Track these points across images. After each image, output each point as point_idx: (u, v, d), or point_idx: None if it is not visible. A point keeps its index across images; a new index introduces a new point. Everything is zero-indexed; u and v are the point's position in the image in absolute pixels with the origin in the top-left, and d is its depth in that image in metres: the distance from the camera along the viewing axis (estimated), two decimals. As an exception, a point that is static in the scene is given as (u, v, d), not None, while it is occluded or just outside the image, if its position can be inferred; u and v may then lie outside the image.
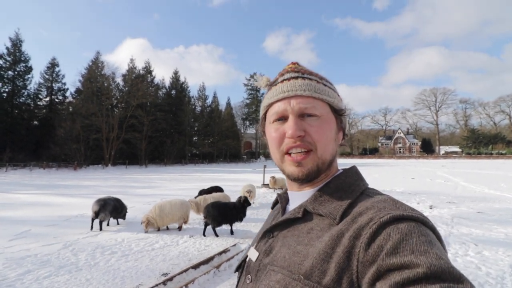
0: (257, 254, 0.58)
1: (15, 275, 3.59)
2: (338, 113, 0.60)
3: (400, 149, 78.49)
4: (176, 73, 46.86)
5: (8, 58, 30.41)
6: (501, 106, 70.91)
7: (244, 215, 5.83)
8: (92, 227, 5.80)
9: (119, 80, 37.13)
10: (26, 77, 31.85)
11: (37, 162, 26.70)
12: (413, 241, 0.40)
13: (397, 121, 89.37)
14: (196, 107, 50.36)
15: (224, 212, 5.51)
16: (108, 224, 6.17)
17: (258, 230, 5.77)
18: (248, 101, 64.08)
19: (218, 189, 8.81)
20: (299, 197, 0.61)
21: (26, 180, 16.93)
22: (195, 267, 3.72)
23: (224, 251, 4.38)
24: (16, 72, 30.94)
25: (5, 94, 29.80)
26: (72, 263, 4.02)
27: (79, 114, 30.41)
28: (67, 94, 36.10)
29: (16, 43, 31.26)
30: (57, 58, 38.01)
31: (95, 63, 35.88)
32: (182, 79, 47.45)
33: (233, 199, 6.62)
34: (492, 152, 59.95)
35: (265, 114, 0.63)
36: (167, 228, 5.99)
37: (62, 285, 3.38)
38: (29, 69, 32.08)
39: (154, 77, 42.22)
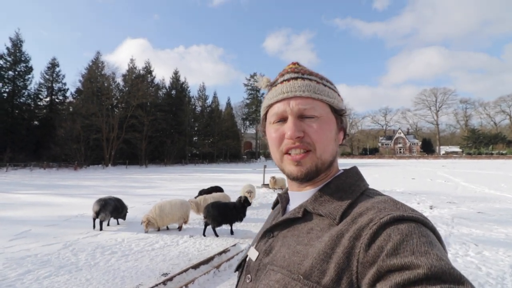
0: (257, 253, 0.58)
1: (15, 275, 3.59)
2: (339, 113, 0.60)
3: (400, 149, 78.46)
4: (176, 73, 46.90)
5: (9, 58, 30.44)
6: (502, 106, 70.94)
7: (244, 215, 5.83)
8: (94, 226, 5.82)
9: (119, 80, 37.23)
10: (26, 77, 31.89)
11: (38, 162, 26.73)
12: (413, 242, 0.40)
13: (397, 121, 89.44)
14: (196, 107, 50.38)
15: (224, 212, 5.51)
16: (108, 224, 6.17)
17: (258, 230, 5.76)
18: (248, 101, 64.08)
19: (218, 189, 8.81)
20: (299, 197, 0.61)
21: (27, 180, 16.94)
22: (195, 267, 3.72)
23: (224, 251, 4.38)
24: (16, 72, 30.97)
25: (5, 94, 29.82)
26: (72, 263, 4.02)
27: (79, 114, 30.43)
28: (68, 94, 36.21)
29: (17, 43, 31.30)
30: (58, 58, 38.18)
31: (95, 63, 35.91)
32: (182, 79, 47.54)
33: (233, 199, 6.62)
34: (493, 152, 59.91)
35: (265, 115, 0.64)
36: (167, 228, 5.99)
37: (62, 285, 3.38)
38: (29, 69, 32.12)
39: (154, 77, 42.28)
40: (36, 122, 33.43)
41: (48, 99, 34.79)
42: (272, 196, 10.55)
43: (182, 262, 4.13)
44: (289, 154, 0.56)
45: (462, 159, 57.28)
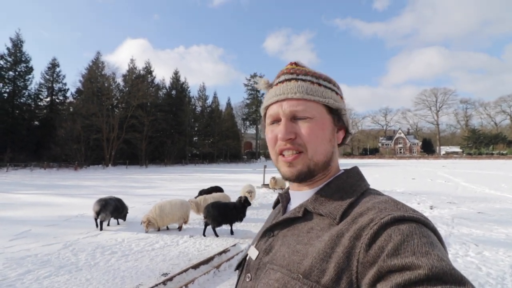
0: (257, 252, 0.59)
1: (15, 275, 3.59)
2: (336, 112, 0.59)
3: (400, 149, 78.43)
4: (176, 73, 46.92)
5: (9, 59, 30.47)
6: (502, 106, 70.94)
7: (244, 215, 5.83)
8: (97, 225, 5.83)
9: (119, 80, 37.23)
10: (26, 78, 31.91)
11: (38, 162, 26.75)
12: (414, 243, 0.40)
13: (397, 121, 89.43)
14: (196, 107, 50.39)
15: (224, 212, 5.51)
16: (108, 224, 6.17)
17: (258, 230, 5.77)
18: (248, 101, 64.14)
19: (218, 189, 8.81)
20: (300, 196, 0.61)
21: (27, 180, 16.95)
22: (195, 267, 3.72)
23: (224, 251, 4.38)
24: (17, 73, 30.99)
25: (6, 95, 29.84)
26: (72, 263, 4.02)
27: (79, 114, 30.45)
28: (68, 94, 36.22)
29: (17, 44, 31.32)
30: (58, 58, 38.25)
31: (96, 64, 35.93)
32: (182, 79, 47.55)
33: (233, 199, 6.62)
34: (493, 152, 59.89)
35: (265, 115, 0.65)
36: (167, 228, 5.99)
37: (62, 285, 3.38)
38: (29, 70, 32.13)
39: (155, 77, 42.30)
40: (36, 122, 33.45)
41: (48, 99, 34.82)
42: (272, 196, 10.55)
43: (182, 262, 4.13)
44: (283, 155, 0.57)
45: (463, 159, 57.25)
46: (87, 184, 14.67)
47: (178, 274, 3.45)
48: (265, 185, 12.66)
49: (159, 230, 5.83)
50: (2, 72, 29.64)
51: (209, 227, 5.54)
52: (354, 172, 0.60)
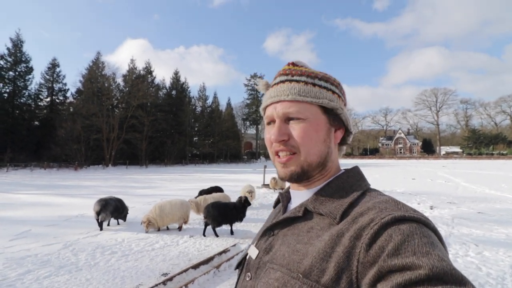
0: (257, 252, 0.59)
1: (15, 275, 3.60)
2: (331, 112, 0.58)
3: (400, 150, 78.43)
4: (176, 73, 46.92)
5: (9, 59, 30.46)
6: (502, 106, 70.95)
7: (244, 215, 5.83)
8: (99, 225, 5.82)
9: (119, 80, 37.22)
10: (27, 78, 31.89)
11: (38, 162, 26.75)
12: (415, 243, 0.40)
13: (397, 122, 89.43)
14: (197, 108, 50.38)
15: (224, 212, 5.51)
16: (108, 224, 6.17)
17: (258, 230, 5.77)
18: (248, 102, 64.14)
19: (218, 189, 8.81)
20: (300, 196, 0.61)
21: (27, 180, 16.95)
22: (195, 267, 3.72)
23: (224, 251, 4.38)
24: (17, 73, 30.98)
25: (6, 95, 29.82)
26: (72, 263, 4.02)
27: (79, 114, 30.44)
28: (68, 94, 36.17)
29: (17, 44, 31.31)
30: (58, 58, 38.20)
31: (96, 64, 35.94)
32: (182, 79, 47.53)
33: (233, 199, 6.62)
34: (493, 152, 59.89)
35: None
36: (167, 228, 5.99)
37: (62, 285, 3.38)
38: (30, 70, 32.12)
39: (155, 77, 42.29)
40: (36, 123, 33.44)
41: (48, 99, 34.80)
42: (272, 196, 10.55)
43: (182, 262, 4.13)
44: (279, 156, 0.58)
45: (463, 159, 57.25)
46: (87, 184, 14.67)
47: (178, 274, 3.45)
48: (265, 185, 12.66)
49: (159, 230, 5.83)
50: (2, 72, 29.64)
51: (209, 227, 5.54)
52: (355, 172, 0.60)
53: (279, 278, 0.49)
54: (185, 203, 6.09)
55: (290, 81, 0.59)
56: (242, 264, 0.64)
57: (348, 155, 76.40)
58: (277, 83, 0.60)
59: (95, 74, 34.66)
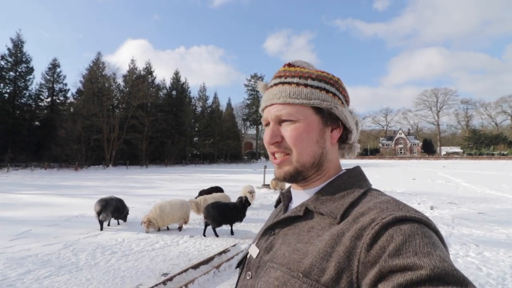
0: (257, 251, 0.59)
1: (15, 275, 3.60)
2: (325, 112, 0.58)
3: (401, 150, 78.40)
4: (176, 73, 46.95)
5: (10, 59, 30.49)
6: (503, 106, 70.92)
7: (244, 215, 5.83)
8: (100, 225, 5.83)
9: (120, 80, 37.24)
10: (27, 78, 31.93)
11: (39, 162, 26.78)
12: (416, 243, 0.40)
13: (398, 122, 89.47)
14: (197, 108, 50.40)
15: (224, 213, 5.51)
16: (109, 224, 6.17)
17: (258, 230, 5.75)
18: (248, 102, 64.16)
19: (218, 189, 8.81)
20: (301, 195, 0.61)
21: (27, 180, 16.96)
22: (195, 267, 3.72)
23: (224, 251, 4.38)
24: (17, 73, 31.01)
25: (6, 95, 29.84)
26: (73, 263, 4.02)
27: (80, 114, 30.46)
28: (68, 94, 36.23)
29: (18, 44, 31.35)
30: (58, 59, 38.12)
31: (96, 64, 35.98)
32: (182, 79, 47.58)
33: (233, 199, 6.62)
34: (494, 153, 59.84)
35: None
36: (168, 228, 5.99)
37: (62, 285, 3.38)
38: (30, 70, 32.16)
39: (155, 77, 42.34)
40: (37, 123, 33.47)
41: (49, 99, 34.84)
42: (272, 196, 10.55)
43: (182, 262, 4.13)
44: (275, 157, 0.60)
45: (463, 159, 57.18)
46: (88, 185, 14.68)
47: (178, 274, 3.45)
48: (266, 186, 12.66)
49: (159, 230, 5.83)
50: (3, 73, 29.68)
51: (209, 227, 5.54)
52: (356, 172, 0.60)
53: (279, 277, 0.49)
54: (185, 203, 6.09)
55: (283, 83, 0.59)
56: (243, 263, 0.64)
57: (348, 155, 76.06)
58: (271, 86, 0.61)
59: (96, 74, 34.68)
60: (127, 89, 36.22)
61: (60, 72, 35.79)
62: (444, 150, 75.10)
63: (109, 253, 4.45)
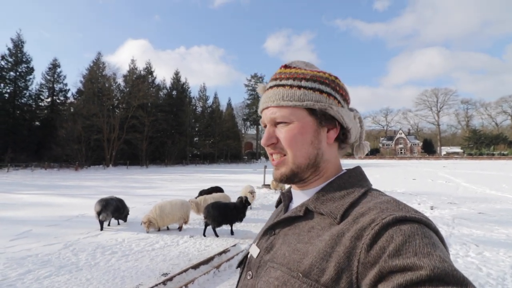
0: (258, 250, 0.59)
1: (16, 275, 3.60)
2: (319, 113, 0.57)
3: (401, 150, 78.36)
4: (177, 73, 46.97)
5: (10, 59, 30.51)
6: (503, 106, 70.90)
7: (244, 215, 5.83)
8: (101, 225, 5.83)
9: (120, 80, 37.27)
10: (27, 78, 31.95)
11: (39, 162, 26.78)
12: (416, 243, 0.40)
13: (398, 122, 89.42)
14: (197, 108, 50.44)
15: (224, 213, 5.51)
16: (109, 224, 6.18)
17: (258, 230, 5.75)
18: (249, 102, 64.20)
19: (218, 189, 8.81)
20: (301, 195, 0.61)
21: (28, 180, 16.97)
22: (195, 267, 3.72)
23: (224, 251, 4.38)
24: (18, 73, 31.03)
25: (7, 95, 29.86)
26: (73, 263, 4.03)
27: (80, 114, 30.48)
28: (69, 94, 36.24)
29: (18, 44, 31.36)
30: (59, 59, 38.09)
31: (96, 64, 35.99)
32: (183, 79, 47.61)
33: (233, 199, 6.62)
34: (494, 153, 59.83)
35: None
36: (168, 228, 6.00)
37: (62, 284, 3.38)
38: (30, 70, 32.18)
39: (155, 77, 42.36)
40: (37, 123, 33.49)
41: (49, 99, 34.85)
42: (272, 197, 10.55)
43: (182, 262, 4.14)
44: (273, 158, 0.61)
45: (463, 159, 57.17)
46: (88, 185, 14.69)
47: (178, 274, 3.45)
48: (266, 186, 12.67)
49: (159, 230, 5.84)
50: (3, 73, 29.70)
51: (209, 227, 5.54)
52: (357, 172, 0.60)
53: (279, 277, 0.49)
54: (185, 203, 6.09)
55: (277, 86, 0.60)
56: (244, 263, 0.64)
57: (349, 155, 76.27)
58: (268, 89, 0.62)
59: (96, 74, 34.70)
60: (127, 89, 36.24)
61: (60, 72, 35.84)
62: (444, 150, 75.07)
63: (109, 253, 4.46)
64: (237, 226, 6.04)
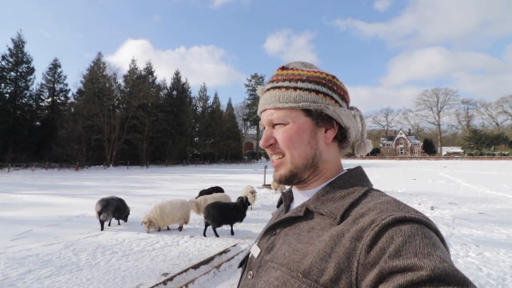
0: (259, 250, 0.59)
1: (16, 275, 3.61)
2: (314, 113, 0.57)
3: (401, 150, 78.28)
4: (177, 73, 46.99)
5: (11, 59, 30.54)
6: (504, 106, 70.75)
7: (245, 215, 5.84)
8: (101, 225, 5.83)
9: (120, 81, 37.30)
10: (28, 78, 31.99)
11: (39, 162, 26.81)
12: (416, 244, 0.40)
13: (398, 122, 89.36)
14: (197, 108, 50.44)
15: (224, 213, 5.52)
16: (109, 224, 6.19)
17: (258, 230, 5.76)
18: (249, 102, 64.16)
19: (218, 189, 8.81)
20: (302, 195, 0.61)
21: (28, 180, 16.99)
22: (195, 267, 3.73)
23: (225, 251, 4.38)
24: (18, 73, 31.06)
25: (7, 95, 29.91)
26: (73, 263, 4.03)
27: (80, 114, 30.52)
28: (69, 95, 36.31)
29: (19, 44, 31.40)
30: (59, 59, 38.04)
31: (97, 64, 36.03)
32: (183, 79, 47.61)
33: (234, 199, 6.62)
34: (495, 153, 59.75)
35: None
36: (168, 228, 6.00)
37: (63, 284, 3.39)
38: (31, 70, 32.22)
39: (156, 78, 42.37)
40: (38, 123, 33.52)
41: (49, 99, 34.90)
42: (273, 197, 10.56)
43: (183, 262, 4.14)
44: (273, 160, 0.62)
45: (464, 159, 57.09)
46: (88, 185, 14.70)
47: (179, 274, 3.45)
48: (266, 186, 12.66)
49: (159, 230, 5.84)
50: (4, 73, 29.74)
51: (210, 227, 5.54)
52: (357, 172, 0.60)
53: (279, 277, 0.49)
54: (185, 203, 6.10)
55: (274, 88, 0.61)
56: (245, 263, 0.65)
57: (349, 155, 76.34)
58: (265, 91, 0.63)
59: (96, 74, 34.73)
60: (128, 89, 36.25)
61: (60, 72, 35.88)
62: (445, 150, 75.00)
63: (110, 253, 4.46)
64: (237, 226, 6.04)
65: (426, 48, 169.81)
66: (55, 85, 35.15)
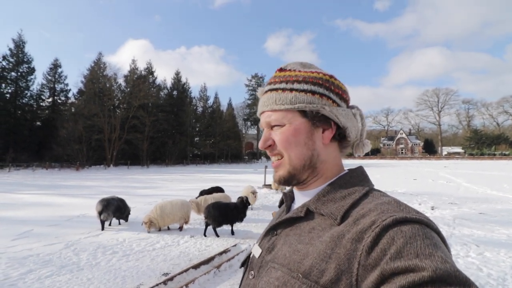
0: (260, 251, 0.59)
1: (17, 275, 3.62)
2: (310, 114, 0.57)
3: (402, 150, 78.21)
4: (177, 74, 47.02)
5: (11, 59, 30.60)
6: (504, 106, 70.66)
7: (245, 215, 5.84)
8: (102, 224, 5.84)
9: (121, 81, 37.36)
10: (29, 78, 32.07)
11: (40, 162, 26.85)
12: (417, 244, 0.40)
13: (399, 122, 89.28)
14: (198, 108, 50.47)
15: (225, 213, 5.52)
16: (110, 224, 6.19)
17: (258, 230, 5.76)
18: (249, 102, 64.12)
19: (219, 189, 8.82)
20: (303, 196, 0.61)
21: (29, 180, 17.02)
22: (196, 267, 3.73)
23: (225, 251, 4.38)
24: (19, 73, 31.13)
25: (8, 95, 29.98)
26: (74, 263, 4.04)
27: (81, 114, 30.57)
28: (70, 95, 36.41)
29: (19, 44, 31.46)
30: (60, 59, 38.15)
31: (97, 64, 36.08)
32: (183, 80, 47.65)
33: (234, 199, 6.62)
34: (495, 153, 59.67)
35: None
36: (168, 228, 6.01)
37: (63, 284, 3.39)
38: (32, 70, 32.28)
39: (156, 78, 42.43)
40: (38, 123, 33.59)
41: (50, 99, 34.96)
42: (273, 197, 10.55)
43: (183, 262, 4.14)
44: (273, 161, 0.62)
45: (464, 159, 57.03)
46: (89, 184, 14.72)
47: (179, 274, 3.46)
48: (266, 186, 12.66)
49: (160, 230, 5.85)
50: (5, 73, 29.80)
51: (210, 227, 5.55)
52: (358, 172, 0.60)
53: (279, 277, 0.49)
54: (186, 203, 6.10)
55: (271, 90, 0.62)
56: (247, 263, 0.65)
57: (349, 155, 76.23)
58: (264, 93, 0.64)
59: (97, 74, 34.78)
60: (128, 89, 36.29)
61: (61, 72, 35.95)
62: (445, 150, 74.94)
63: (110, 253, 4.47)
64: (237, 226, 6.04)
65: (427, 48, 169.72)
66: (56, 85, 35.21)
